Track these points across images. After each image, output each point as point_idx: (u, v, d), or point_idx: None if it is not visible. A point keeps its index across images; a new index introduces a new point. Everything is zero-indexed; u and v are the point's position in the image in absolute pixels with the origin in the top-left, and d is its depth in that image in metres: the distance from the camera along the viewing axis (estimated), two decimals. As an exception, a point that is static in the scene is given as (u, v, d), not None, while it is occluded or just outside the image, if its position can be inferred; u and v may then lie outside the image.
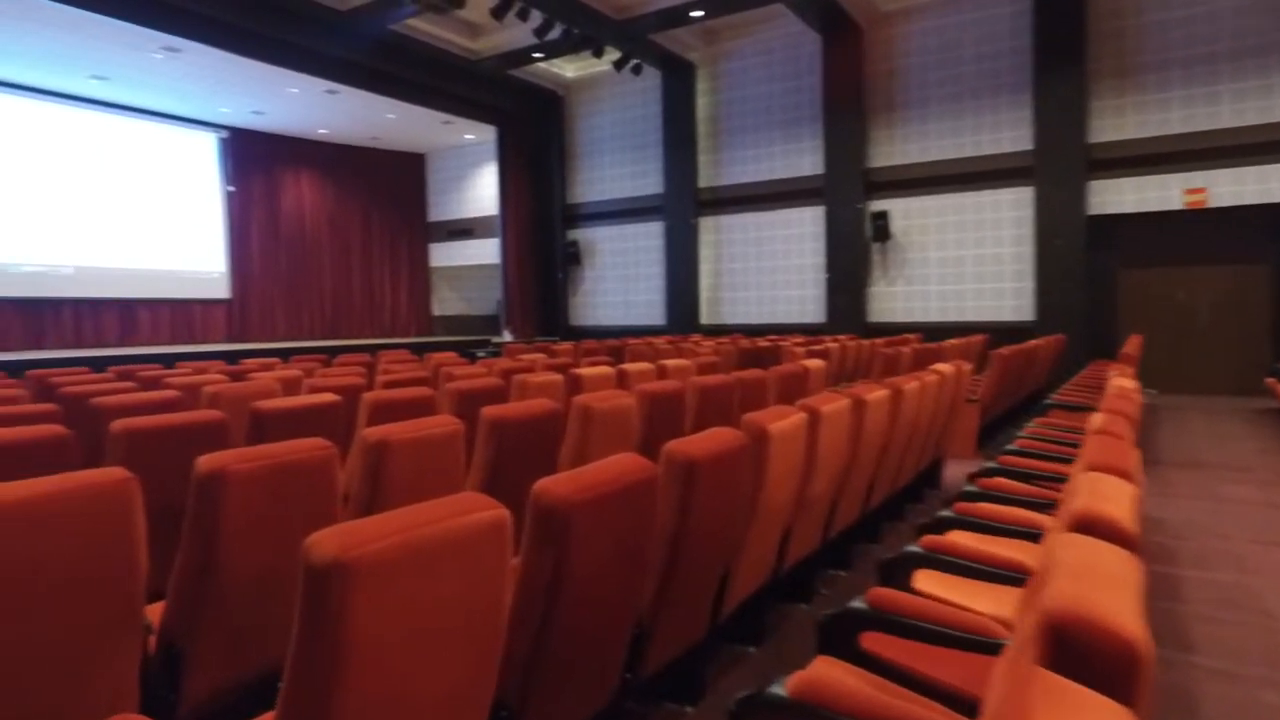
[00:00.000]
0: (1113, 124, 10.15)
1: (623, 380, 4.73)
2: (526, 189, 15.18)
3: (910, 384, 3.62)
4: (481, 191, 16.59)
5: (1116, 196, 10.20)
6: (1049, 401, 5.67)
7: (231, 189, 14.64)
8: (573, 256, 15.07)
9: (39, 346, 12.08)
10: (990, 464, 3.28)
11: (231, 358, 8.37)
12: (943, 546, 2.32)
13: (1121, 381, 3.60)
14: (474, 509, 1.31)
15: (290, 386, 4.50)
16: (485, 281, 17.06)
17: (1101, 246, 10.34)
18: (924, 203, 11.54)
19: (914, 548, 2.31)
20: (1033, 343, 8.38)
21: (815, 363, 5.33)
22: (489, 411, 2.78)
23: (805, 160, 12.44)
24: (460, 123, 14.58)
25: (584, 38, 10.78)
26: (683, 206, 13.51)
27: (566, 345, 9.49)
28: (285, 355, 7.47)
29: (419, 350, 9.63)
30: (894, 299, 11.91)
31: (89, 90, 12.16)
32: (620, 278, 14.70)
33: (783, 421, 2.45)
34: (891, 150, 11.74)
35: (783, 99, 12.63)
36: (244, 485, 1.83)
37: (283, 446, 1.96)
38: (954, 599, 2.02)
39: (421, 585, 1.21)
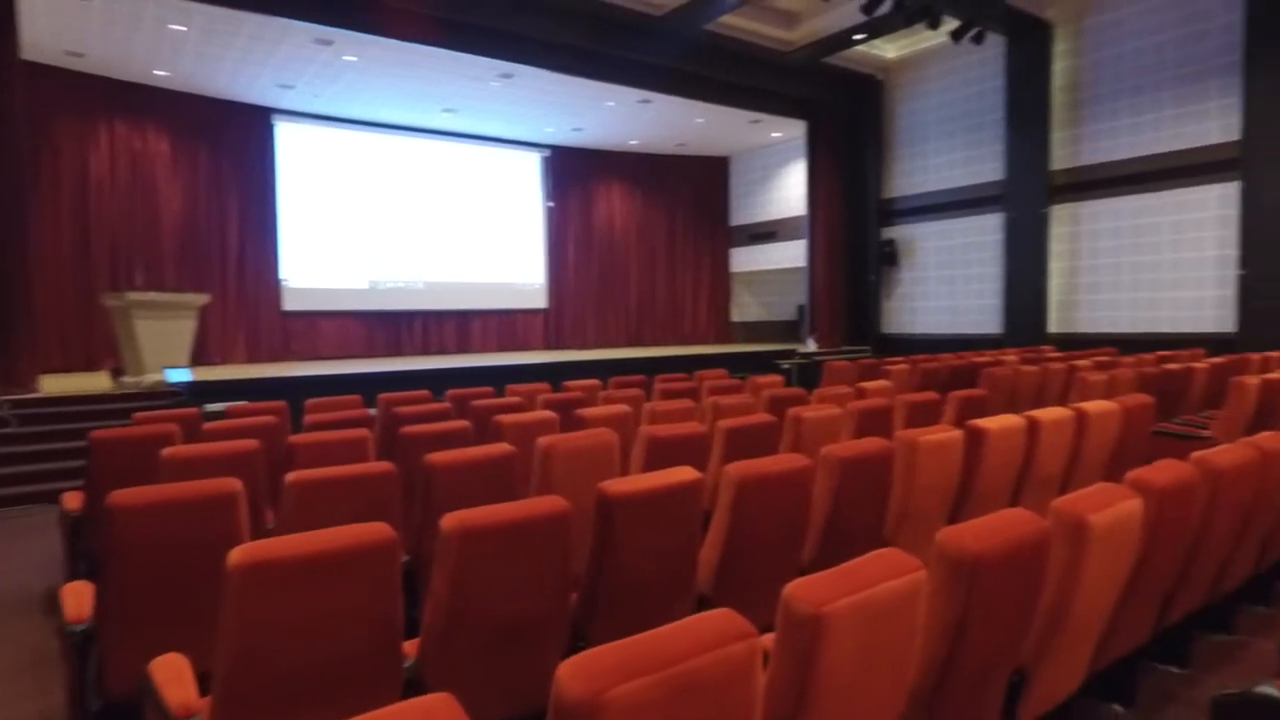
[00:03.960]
0: None
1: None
2: (837, 185, 14.01)
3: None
4: (787, 192, 15.75)
5: None
6: None
7: (551, 204, 15.44)
8: (888, 256, 13.60)
9: (398, 354, 13.65)
10: None
11: (551, 374, 8.48)
12: None
13: None
14: (727, 637, 1.14)
15: (625, 426, 3.98)
16: (787, 286, 16.21)
17: None
18: None
19: None
20: None
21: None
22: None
23: (1211, 125, 9.71)
24: (768, 121, 13.86)
25: (919, 7, 9.38)
26: (1029, 194, 11.39)
27: (874, 363, 8.24)
28: (603, 374, 7.26)
29: (722, 363, 9.07)
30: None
31: (440, 123, 13.48)
32: (945, 279, 12.92)
33: (1109, 510, 1.90)
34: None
35: (1178, 50, 9.99)
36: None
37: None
38: None
39: None
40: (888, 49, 13.01)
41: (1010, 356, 8.68)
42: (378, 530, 1.77)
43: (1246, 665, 2.97)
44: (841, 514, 2.77)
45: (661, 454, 3.30)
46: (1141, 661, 2.69)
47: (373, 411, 4.95)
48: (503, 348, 14.96)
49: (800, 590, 1.32)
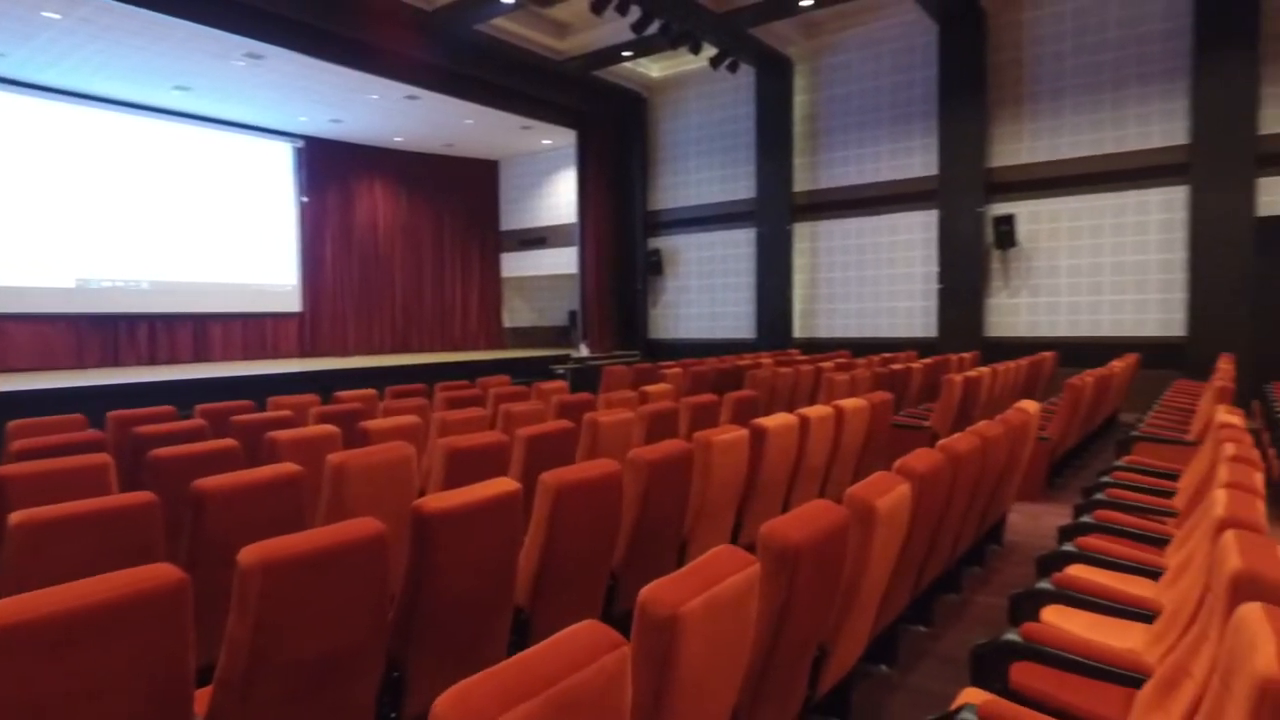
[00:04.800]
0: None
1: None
2: (606, 195, 14.46)
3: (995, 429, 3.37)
4: (557, 199, 15.95)
5: (1291, 196, 8.97)
6: (1135, 434, 5.20)
7: (305, 200, 14.25)
8: (654, 265, 14.30)
9: (116, 364, 11.79)
10: (1085, 518, 3.16)
11: (312, 384, 7.81)
12: (1072, 583, 2.36)
13: (1228, 418, 3.47)
14: (600, 649, 1.14)
15: (419, 437, 3.78)
16: (558, 292, 16.42)
17: (1274, 253, 9.09)
18: (1054, 205, 10.43)
19: (1045, 584, 2.37)
20: (1114, 364, 7.53)
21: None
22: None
23: (916, 160, 11.41)
24: (539, 127, 13.94)
25: (683, 33, 9.98)
26: (776, 212, 12.61)
27: (651, 367, 8.67)
28: (373, 383, 6.83)
29: (498, 369, 8.94)
30: (1016, 312, 10.81)
31: (171, 102, 11.85)
32: (705, 288, 13.87)
33: (889, 495, 2.18)
34: (1018, 148, 10.64)
35: (891, 95, 11.64)
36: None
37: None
38: (1086, 634, 2.09)
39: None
40: (653, 68, 13.70)
41: (766, 359, 9.54)
42: (158, 574, 1.52)
43: (973, 618, 3.53)
44: (648, 515, 2.87)
45: (462, 466, 3.19)
46: (899, 625, 3.09)
47: (101, 433, 4.23)
48: (249, 356, 13.50)
49: (656, 593, 1.35)
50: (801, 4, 9.88)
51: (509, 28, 10.83)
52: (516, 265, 16.96)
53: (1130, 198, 9.89)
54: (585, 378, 9.73)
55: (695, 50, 10.62)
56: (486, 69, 11.39)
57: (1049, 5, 10.33)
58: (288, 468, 2.66)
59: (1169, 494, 3.70)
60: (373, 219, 15.30)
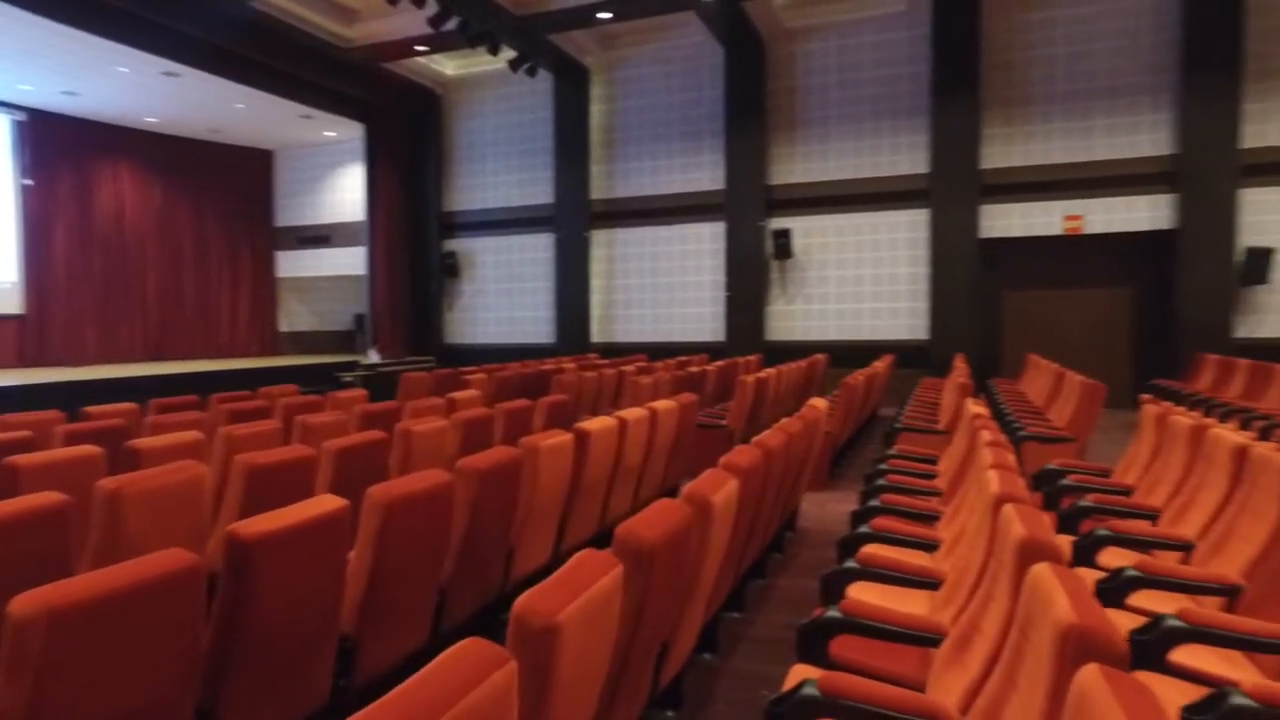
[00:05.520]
0: (1002, 151, 10.59)
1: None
2: (398, 193, 13.81)
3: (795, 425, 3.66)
4: (343, 195, 14.96)
5: (1004, 221, 10.65)
6: (899, 426, 5.95)
7: (28, 183, 12.16)
8: (450, 268, 13.88)
9: None
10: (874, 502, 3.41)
11: (43, 399, 6.70)
12: (871, 560, 2.53)
13: (977, 409, 4.01)
14: (488, 667, 1.10)
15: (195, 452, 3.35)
16: (341, 294, 15.40)
17: (990, 268, 10.75)
18: (824, 221, 11.55)
19: (851, 563, 2.52)
20: (877, 364, 8.64)
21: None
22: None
23: (705, 175, 12.11)
24: (321, 118, 12.99)
25: (482, 32, 9.79)
26: (574, 218, 12.77)
27: (454, 373, 8.46)
28: (126, 396, 5.98)
29: (275, 378, 8.16)
30: (793, 318, 11.83)
31: None
32: (504, 292, 13.70)
33: (722, 491, 2.33)
34: (793, 168, 11.66)
35: (683, 111, 12.24)
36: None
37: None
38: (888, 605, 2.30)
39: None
40: (448, 65, 13.30)
41: (569, 364, 9.62)
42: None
43: (779, 600, 3.81)
44: (478, 526, 2.79)
45: (265, 486, 2.90)
46: (720, 613, 3.27)
47: None
48: (-47, 366, 11.26)
49: (531, 604, 1.32)
50: (599, 16, 10.09)
51: (287, 7, 9.98)
52: (294, 265, 15.66)
53: (884, 217, 11.20)
54: (380, 385, 9.19)
55: (494, 51, 10.47)
56: (260, 50, 10.40)
57: (817, 41, 11.43)
58: (49, 499, 2.26)
59: (932, 476, 4.24)
60: (119, 208, 13.39)
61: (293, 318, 16.02)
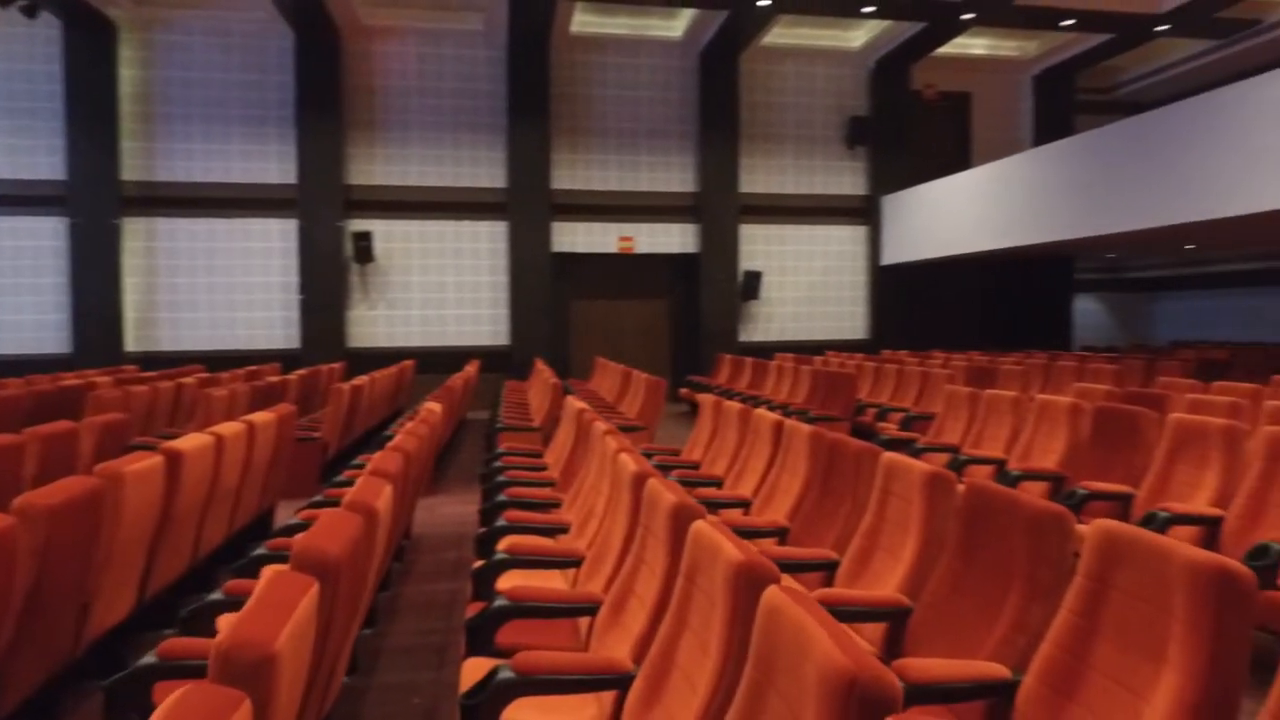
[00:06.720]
0: (568, 174, 11.77)
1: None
2: None
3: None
4: None
5: (571, 237, 11.85)
6: (500, 426, 6.19)
7: None
8: (-107, 255, 10.27)
9: None
10: (500, 498, 3.53)
11: None
12: (516, 548, 2.68)
13: (579, 405, 4.62)
14: (224, 713, 1.02)
15: None
16: None
17: (561, 280, 11.86)
18: (407, 226, 11.45)
19: (501, 555, 2.62)
20: (468, 369, 8.93)
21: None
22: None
23: (273, 166, 11.03)
24: None
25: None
26: (99, 202, 10.52)
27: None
28: None
29: None
30: (376, 323, 11.49)
31: None
32: (-11, 288, 10.65)
33: (382, 497, 2.35)
34: (373, 169, 11.31)
35: (244, 93, 10.95)
36: None
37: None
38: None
39: None
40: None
41: (102, 378, 7.91)
42: None
43: (406, 608, 3.74)
44: (47, 578, 2.22)
45: None
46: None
47: None
48: None
49: (239, 637, 1.16)
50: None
51: None
52: None
53: (467, 227, 11.56)
54: None
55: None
56: None
57: (396, 44, 11.28)
58: None
59: (542, 469, 4.58)
60: None
61: None
